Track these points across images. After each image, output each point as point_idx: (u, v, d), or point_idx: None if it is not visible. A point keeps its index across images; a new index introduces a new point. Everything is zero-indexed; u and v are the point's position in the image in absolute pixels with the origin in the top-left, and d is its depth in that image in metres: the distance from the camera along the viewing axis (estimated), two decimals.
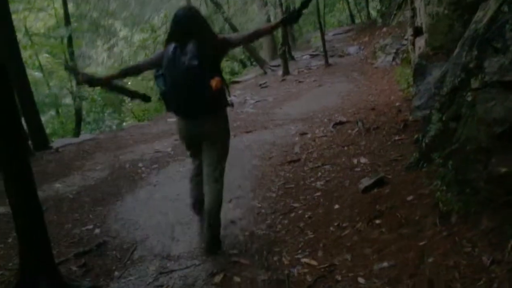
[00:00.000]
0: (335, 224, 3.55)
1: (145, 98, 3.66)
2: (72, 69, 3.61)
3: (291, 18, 3.24)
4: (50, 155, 7.29)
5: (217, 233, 3.53)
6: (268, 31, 3.78)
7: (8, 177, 3.09)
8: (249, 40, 3.76)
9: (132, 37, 19.59)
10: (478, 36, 2.95)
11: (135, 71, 3.74)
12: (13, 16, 8.73)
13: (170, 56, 3.16)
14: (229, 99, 3.40)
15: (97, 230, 4.26)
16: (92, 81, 3.44)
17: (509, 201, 2.45)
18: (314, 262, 3.08)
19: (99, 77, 3.62)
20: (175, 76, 3.14)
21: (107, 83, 3.56)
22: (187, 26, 3.19)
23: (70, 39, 14.28)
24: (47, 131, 11.25)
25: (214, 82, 3.05)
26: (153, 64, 3.39)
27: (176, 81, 3.14)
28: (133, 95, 3.67)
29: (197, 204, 3.82)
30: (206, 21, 3.40)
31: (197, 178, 3.71)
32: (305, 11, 3.30)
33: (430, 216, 2.94)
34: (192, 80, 3.09)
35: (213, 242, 3.51)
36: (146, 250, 3.74)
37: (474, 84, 2.85)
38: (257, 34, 3.64)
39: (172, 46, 3.18)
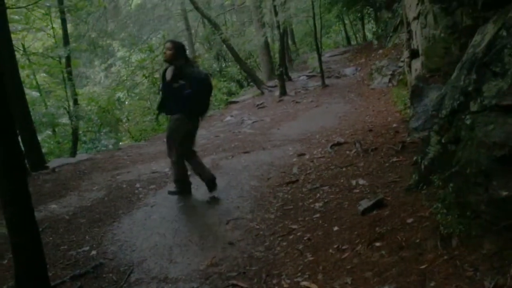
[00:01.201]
0: (335, 246, 3.53)
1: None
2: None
3: None
4: (46, 175, 7.25)
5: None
6: None
7: (5, 198, 3.07)
8: None
9: (130, 57, 19.73)
10: (476, 60, 2.98)
11: None
12: (12, 36, 8.77)
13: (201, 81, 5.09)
14: None
15: (93, 252, 4.21)
16: None
17: (511, 224, 2.44)
18: (314, 286, 3.04)
19: None
20: (203, 93, 5.13)
21: None
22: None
23: (68, 59, 14.34)
24: (44, 150, 11.18)
25: None
26: None
27: (204, 96, 5.15)
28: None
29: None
30: None
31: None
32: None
33: (430, 239, 2.92)
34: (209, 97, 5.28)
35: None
36: (143, 273, 3.69)
37: (473, 107, 2.87)
38: None
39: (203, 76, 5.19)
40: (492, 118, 2.66)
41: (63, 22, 14.08)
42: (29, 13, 12.81)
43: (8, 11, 9.12)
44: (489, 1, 3.61)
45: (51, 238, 4.63)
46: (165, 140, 5.41)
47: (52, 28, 15.40)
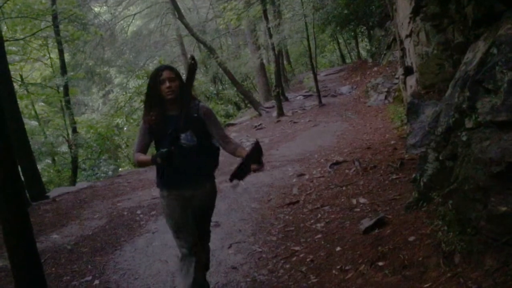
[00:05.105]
0: (338, 267, 3.52)
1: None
2: None
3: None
4: (47, 205, 7.23)
5: None
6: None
7: (7, 231, 3.08)
8: None
9: (127, 84, 19.90)
10: (469, 77, 3.03)
11: None
12: (10, 67, 8.87)
13: None
14: None
15: (96, 282, 4.18)
16: None
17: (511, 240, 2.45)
18: None
19: None
20: None
21: None
22: None
23: (66, 87, 14.45)
24: (44, 179, 11.18)
25: None
26: None
27: None
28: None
29: None
30: None
31: None
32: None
33: (433, 256, 2.92)
34: None
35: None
36: None
37: (468, 124, 2.90)
38: None
39: None
40: (487, 134, 2.70)
41: (61, 52, 14.22)
42: (26, 44, 12.97)
43: (6, 42, 9.25)
44: (479, 19, 3.68)
45: (53, 269, 4.60)
46: None
47: (50, 58, 15.55)
